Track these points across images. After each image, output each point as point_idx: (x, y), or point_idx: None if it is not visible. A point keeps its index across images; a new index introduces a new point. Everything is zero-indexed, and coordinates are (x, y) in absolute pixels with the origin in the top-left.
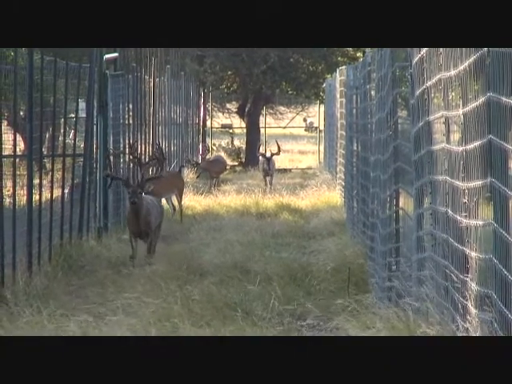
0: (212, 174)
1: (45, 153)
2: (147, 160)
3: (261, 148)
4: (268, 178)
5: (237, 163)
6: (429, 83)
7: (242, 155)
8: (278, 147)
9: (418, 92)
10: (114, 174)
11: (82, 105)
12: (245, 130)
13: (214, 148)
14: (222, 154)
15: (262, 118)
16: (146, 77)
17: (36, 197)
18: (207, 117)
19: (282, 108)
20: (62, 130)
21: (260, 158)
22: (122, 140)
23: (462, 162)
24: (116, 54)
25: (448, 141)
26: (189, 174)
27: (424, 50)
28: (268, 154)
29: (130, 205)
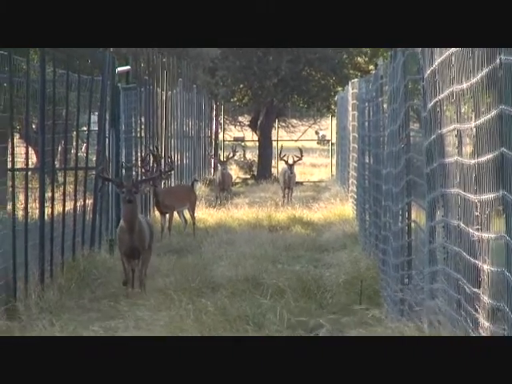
0: (225, 186)
1: (57, 166)
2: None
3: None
4: (287, 191)
5: (249, 176)
6: (441, 96)
7: (254, 168)
8: (301, 152)
9: (430, 105)
10: (106, 174)
11: (94, 118)
12: (257, 143)
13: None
14: (234, 166)
15: (274, 131)
16: (158, 90)
17: (48, 210)
18: (219, 130)
19: (294, 121)
20: (74, 143)
21: (282, 169)
22: (134, 153)
23: (474, 175)
24: (128, 67)
25: (460, 154)
26: (201, 188)
27: (436, 63)
28: (290, 161)
29: (125, 205)
